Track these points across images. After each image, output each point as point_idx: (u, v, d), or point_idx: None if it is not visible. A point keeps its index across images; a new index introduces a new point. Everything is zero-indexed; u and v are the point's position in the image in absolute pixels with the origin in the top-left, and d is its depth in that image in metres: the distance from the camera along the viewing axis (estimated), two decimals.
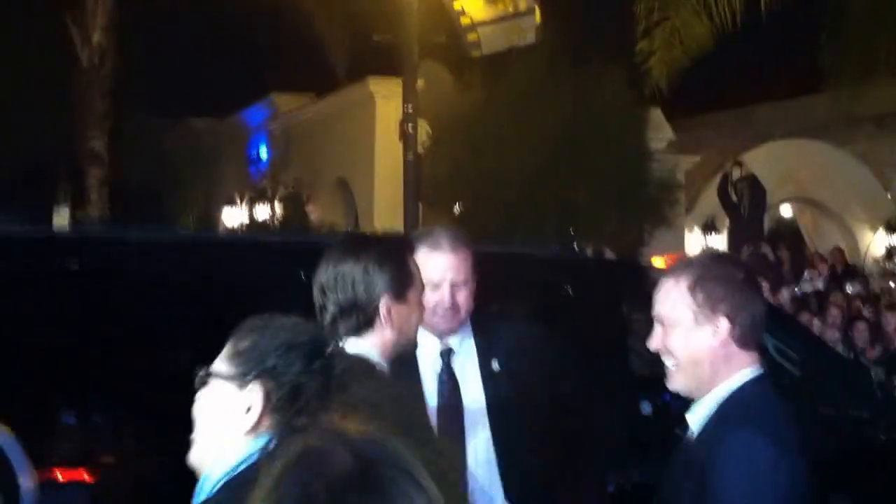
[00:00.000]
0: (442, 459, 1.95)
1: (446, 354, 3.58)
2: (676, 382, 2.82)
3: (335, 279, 2.82)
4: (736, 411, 2.70)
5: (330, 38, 20.45)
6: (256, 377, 2.16)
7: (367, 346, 2.82)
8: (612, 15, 15.85)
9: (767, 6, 14.03)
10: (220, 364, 2.21)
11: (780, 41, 18.93)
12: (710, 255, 3.20)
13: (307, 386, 2.14)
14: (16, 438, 3.13)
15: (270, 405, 2.15)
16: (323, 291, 2.84)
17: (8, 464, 3.03)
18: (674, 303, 2.79)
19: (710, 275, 2.79)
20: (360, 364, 2.24)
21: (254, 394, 2.16)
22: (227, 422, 2.18)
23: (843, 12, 14.27)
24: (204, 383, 2.22)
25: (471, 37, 15.03)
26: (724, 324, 2.74)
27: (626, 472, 4.74)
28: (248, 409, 2.16)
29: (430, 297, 3.33)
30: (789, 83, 21.56)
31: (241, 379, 2.17)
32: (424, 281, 3.15)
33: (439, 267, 3.44)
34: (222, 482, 2.14)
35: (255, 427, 2.16)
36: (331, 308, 2.83)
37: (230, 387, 2.18)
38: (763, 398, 2.74)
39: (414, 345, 3.02)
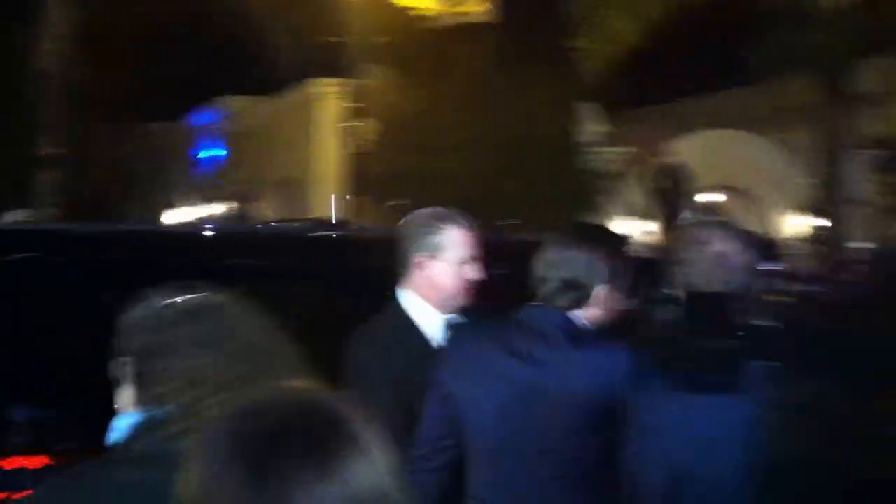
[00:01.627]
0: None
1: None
2: None
3: (563, 260, 3.10)
4: None
5: (277, 41, 20.23)
6: (122, 351, 2.08)
7: (580, 316, 3.10)
8: (551, 14, 15.83)
9: (696, 5, 14.15)
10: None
11: (708, 38, 19.04)
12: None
13: (151, 349, 2.02)
14: None
15: (134, 377, 2.05)
16: (549, 266, 3.10)
17: None
18: None
19: None
20: (201, 307, 2.07)
21: (125, 368, 2.07)
22: (123, 393, 2.09)
23: (767, 14, 14.45)
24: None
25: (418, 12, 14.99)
26: None
27: None
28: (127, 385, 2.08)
29: (464, 273, 3.43)
30: (716, 77, 21.70)
31: (118, 356, 2.09)
32: (460, 258, 3.39)
33: (471, 243, 3.48)
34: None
35: (131, 403, 2.05)
36: (553, 283, 3.08)
37: (118, 366, 2.10)
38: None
39: (610, 321, 3.24)
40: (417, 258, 3.43)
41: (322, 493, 1.32)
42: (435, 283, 3.43)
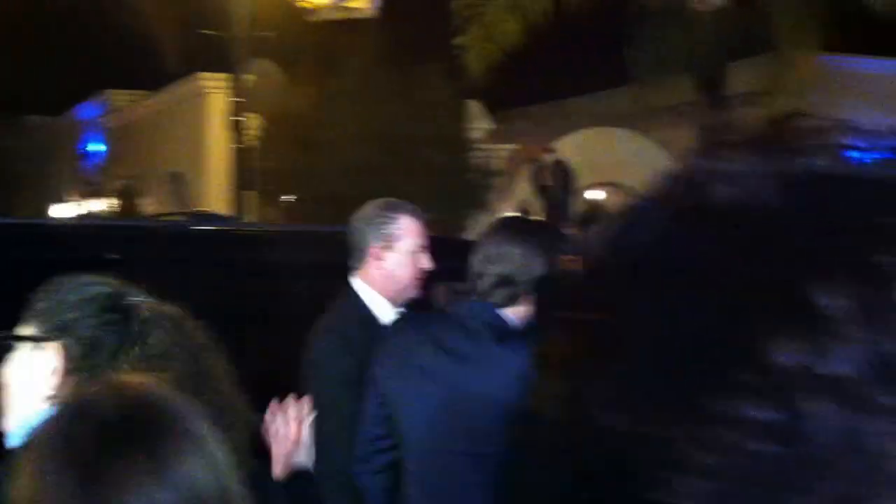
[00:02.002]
0: (236, 413, 1.81)
1: None
2: None
3: (499, 254, 3.01)
4: None
5: (162, 34, 19.86)
6: (55, 335, 1.92)
7: (509, 313, 3.02)
8: (436, 12, 15.85)
9: (577, 5, 14.28)
10: (23, 326, 1.96)
11: (589, 38, 19.31)
12: None
13: (104, 340, 1.88)
14: None
15: (69, 364, 1.90)
16: (486, 261, 3.04)
17: None
18: None
19: None
20: (164, 316, 1.95)
21: (54, 353, 1.92)
22: (34, 387, 1.93)
23: (644, 15, 14.69)
24: (9, 348, 1.97)
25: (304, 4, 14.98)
26: None
27: None
28: (52, 371, 1.91)
29: (417, 262, 3.44)
30: (598, 77, 22.03)
31: (42, 339, 1.93)
32: (414, 247, 3.40)
33: (423, 232, 3.50)
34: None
35: (59, 389, 1.89)
36: (489, 278, 3.02)
37: (32, 349, 1.94)
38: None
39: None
40: (373, 249, 3.42)
41: (158, 494, 1.23)
42: (390, 273, 3.44)
